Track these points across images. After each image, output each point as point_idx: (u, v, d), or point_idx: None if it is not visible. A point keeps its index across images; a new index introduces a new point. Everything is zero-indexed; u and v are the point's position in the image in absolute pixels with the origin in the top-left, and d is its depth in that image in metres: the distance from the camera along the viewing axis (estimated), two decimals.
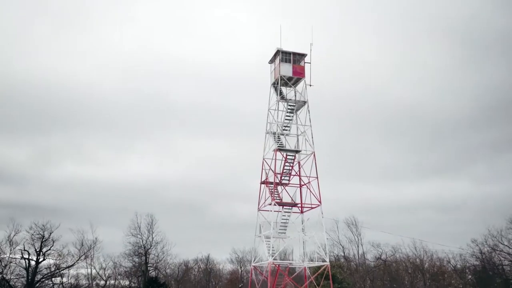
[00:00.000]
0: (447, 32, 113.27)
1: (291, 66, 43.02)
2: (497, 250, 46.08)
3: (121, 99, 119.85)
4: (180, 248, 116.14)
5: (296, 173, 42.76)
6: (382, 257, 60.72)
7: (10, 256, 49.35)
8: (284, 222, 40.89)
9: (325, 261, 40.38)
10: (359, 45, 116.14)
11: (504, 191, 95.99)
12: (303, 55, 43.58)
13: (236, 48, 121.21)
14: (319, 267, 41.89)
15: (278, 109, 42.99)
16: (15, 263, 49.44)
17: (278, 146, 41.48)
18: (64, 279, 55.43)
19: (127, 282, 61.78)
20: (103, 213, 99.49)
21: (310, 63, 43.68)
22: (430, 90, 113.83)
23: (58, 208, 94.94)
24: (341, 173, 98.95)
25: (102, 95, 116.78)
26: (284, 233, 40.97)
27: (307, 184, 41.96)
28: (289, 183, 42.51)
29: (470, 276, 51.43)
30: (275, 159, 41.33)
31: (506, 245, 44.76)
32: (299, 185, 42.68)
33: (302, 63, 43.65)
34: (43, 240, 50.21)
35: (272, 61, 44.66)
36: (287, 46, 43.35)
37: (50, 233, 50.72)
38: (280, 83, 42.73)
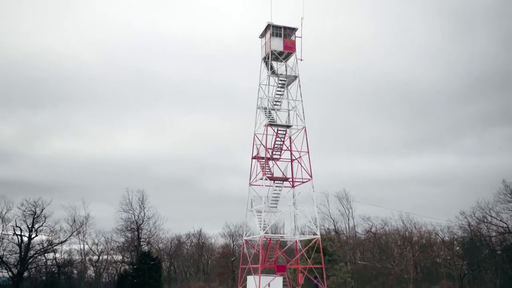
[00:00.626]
0: (437, 5, 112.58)
1: (281, 41, 42.60)
2: (485, 222, 46.90)
3: (108, 74, 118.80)
4: (172, 223, 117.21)
5: (287, 148, 42.86)
6: (372, 230, 61.67)
7: (3, 232, 49.46)
8: (275, 197, 41.18)
9: (316, 234, 40.88)
10: (349, 19, 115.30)
11: (493, 164, 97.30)
12: (294, 29, 43.12)
13: (225, 22, 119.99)
14: (310, 240, 42.43)
15: (269, 84, 42.80)
16: (8, 240, 49.59)
17: (269, 121, 41.44)
18: (57, 255, 55.84)
19: (120, 257, 62.32)
20: (93, 189, 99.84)
21: (301, 37, 43.29)
22: (420, 63, 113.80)
23: (49, 184, 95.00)
24: (331, 147, 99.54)
25: (88, 71, 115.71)
26: (276, 207, 41.29)
27: (298, 159, 42.15)
28: (280, 158, 42.66)
29: (458, 248, 52.45)
30: (266, 134, 41.35)
31: (494, 217, 45.55)
32: (290, 160, 42.86)
33: (293, 38, 43.25)
34: (35, 216, 50.30)
35: (262, 35, 44.19)
36: (278, 21, 42.90)
37: (42, 210, 50.85)
38: (271, 57, 42.41)
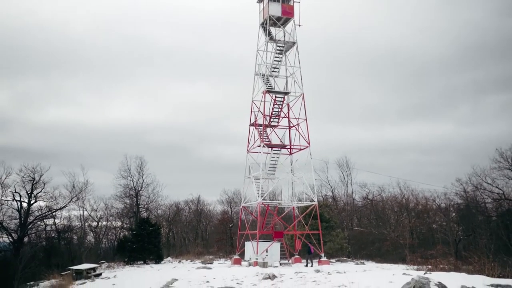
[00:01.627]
0: None
1: (280, 6, 41.92)
2: (481, 189, 47.26)
3: (99, 42, 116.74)
4: (169, 190, 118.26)
5: (285, 115, 42.74)
6: (369, 197, 62.17)
7: (2, 198, 49.62)
8: (273, 164, 41.35)
9: (313, 201, 41.23)
10: None
11: (486, 132, 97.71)
12: None
13: None
14: (307, 207, 42.84)
15: (267, 50, 42.31)
16: (7, 205, 49.80)
17: (267, 88, 41.17)
18: (57, 221, 56.20)
19: (119, 223, 62.90)
20: (90, 156, 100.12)
21: (299, 2, 42.56)
22: (412, 31, 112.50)
23: (45, 151, 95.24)
24: (326, 115, 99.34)
25: (78, 38, 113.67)
26: (273, 174, 41.53)
27: (296, 126, 42.09)
28: (278, 125, 42.60)
29: (454, 214, 53.04)
30: (264, 101, 41.14)
31: (490, 184, 45.89)
32: (288, 127, 42.80)
33: (291, 3, 42.51)
34: (34, 182, 50.33)
35: (260, 0, 43.40)
36: None
37: (41, 176, 50.79)
38: (269, 23, 41.75)
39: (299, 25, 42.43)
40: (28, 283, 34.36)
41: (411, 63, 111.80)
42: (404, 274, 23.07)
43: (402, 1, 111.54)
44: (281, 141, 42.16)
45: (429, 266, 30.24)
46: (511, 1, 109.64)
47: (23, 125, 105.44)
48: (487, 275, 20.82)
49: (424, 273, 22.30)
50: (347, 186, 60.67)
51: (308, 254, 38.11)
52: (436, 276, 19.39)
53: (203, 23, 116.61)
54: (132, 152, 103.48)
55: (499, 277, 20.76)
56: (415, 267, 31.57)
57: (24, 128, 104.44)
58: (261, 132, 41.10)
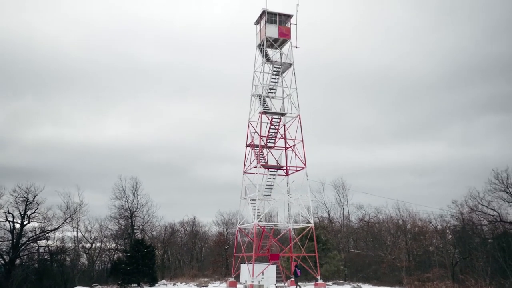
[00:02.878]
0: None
1: (277, 27, 42.36)
2: (477, 211, 47.18)
3: (92, 60, 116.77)
4: (164, 211, 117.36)
5: (281, 135, 42.79)
6: (365, 219, 61.88)
7: None
8: (269, 185, 41.18)
9: (309, 222, 40.97)
10: (341, 6, 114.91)
11: (480, 153, 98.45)
12: (289, 16, 42.86)
13: (217, 9, 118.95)
14: (303, 229, 42.55)
15: (263, 71, 42.58)
16: (0, 226, 49.19)
17: (264, 109, 41.30)
18: (50, 242, 55.51)
19: (113, 245, 62.20)
20: (84, 175, 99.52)
21: (296, 24, 43.05)
22: (403, 54, 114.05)
23: (39, 171, 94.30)
24: (322, 135, 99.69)
25: (71, 57, 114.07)
26: (269, 195, 41.32)
27: (292, 147, 42.10)
28: (274, 146, 42.60)
29: (450, 236, 52.82)
30: (261, 121, 41.21)
31: (485, 206, 45.82)
32: (284, 148, 42.80)
33: (288, 24, 42.98)
34: (28, 203, 49.87)
35: (257, 22, 43.87)
36: (273, 7, 42.60)
37: (35, 196, 50.35)
38: (266, 44, 42.13)
39: (296, 47, 42.87)
40: None
41: (402, 85, 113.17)
42: None
43: (393, 24, 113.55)
44: (277, 162, 42.09)
45: None
46: (498, 24, 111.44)
47: (17, 145, 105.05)
48: None
49: None
50: (343, 208, 60.47)
51: (294, 276, 37.64)
52: None
53: (197, 42, 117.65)
54: (127, 171, 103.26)
55: None
56: None
57: (17, 147, 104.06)
58: (258, 153, 41.05)
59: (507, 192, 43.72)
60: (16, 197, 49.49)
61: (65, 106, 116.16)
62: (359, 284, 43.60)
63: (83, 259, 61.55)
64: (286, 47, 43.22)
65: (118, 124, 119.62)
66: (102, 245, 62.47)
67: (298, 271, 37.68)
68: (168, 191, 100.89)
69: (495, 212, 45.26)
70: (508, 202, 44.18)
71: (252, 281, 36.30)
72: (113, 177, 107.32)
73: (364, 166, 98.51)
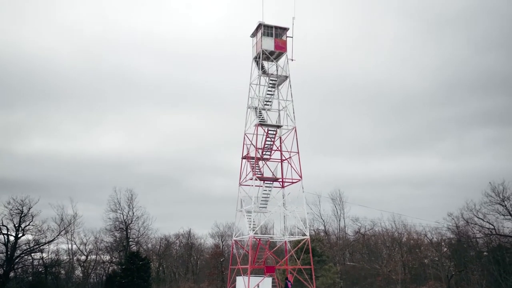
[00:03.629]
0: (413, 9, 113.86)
1: (273, 40, 42.66)
2: (472, 224, 47.30)
3: (84, 73, 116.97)
4: (160, 223, 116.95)
5: (277, 148, 42.90)
6: (361, 231, 61.87)
7: None
8: (265, 197, 41.14)
9: (305, 235, 40.93)
10: (339, 20, 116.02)
11: (473, 166, 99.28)
12: (285, 29, 43.21)
13: (208, 21, 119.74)
14: (299, 241, 42.46)
15: (259, 83, 42.81)
16: None
17: (260, 121, 41.45)
18: (44, 255, 55.17)
19: (108, 257, 61.84)
20: (78, 187, 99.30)
21: (292, 37, 43.40)
22: (396, 67, 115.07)
23: (32, 183, 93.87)
24: (316, 148, 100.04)
25: (63, 69, 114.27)
26: (265, 207, 41.26)
27: (288, 159, 42.18)
28: (270, 158, 42.67)
29: (445, 249, 52.83)
30: (257, 134, 41.33)
31: (481, 219, 45.94)
32: (280, 160, 42.88)
33: (284, 37, 43.33)
34: (22, 215, 49.64)
35: (254, 34, 44.21)
36: (269, 20, 42.97)
37: (29, 208, 50.15)
38: (262, 57, 42.43)
39: (292, 60, 43.13)
40: None
41: (396, 98, 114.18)
42: None
43: (386, 37, 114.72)
44: (273, 174, 42.13)
45: None
46: (490, 39, 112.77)
47: (8, 157, 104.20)
48: None
49: None
50: (339, 220, 60.50)
51: None
52: None
53: (190, 54, 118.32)
54: (121, 183, 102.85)
55: None
56: None
57: (9, 159, 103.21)
58: (253, 165, 41.11)
59: (502, 205, 43.93)
60: (11, 209, 49.32)
61: (56, 118, 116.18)
62: None
63: (78, 272, 61.20)
64: (282, 60, 43.54)
65: (110, 136, 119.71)
66: (97, 257, 62.11)
67: (289, 284, 37.86)
68: (162, 203, 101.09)
69: (490, 225, 45.42)
70: (503, 215, 44.37)
71: None
72: (107, 189, 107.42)
73: (359, 178, 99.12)
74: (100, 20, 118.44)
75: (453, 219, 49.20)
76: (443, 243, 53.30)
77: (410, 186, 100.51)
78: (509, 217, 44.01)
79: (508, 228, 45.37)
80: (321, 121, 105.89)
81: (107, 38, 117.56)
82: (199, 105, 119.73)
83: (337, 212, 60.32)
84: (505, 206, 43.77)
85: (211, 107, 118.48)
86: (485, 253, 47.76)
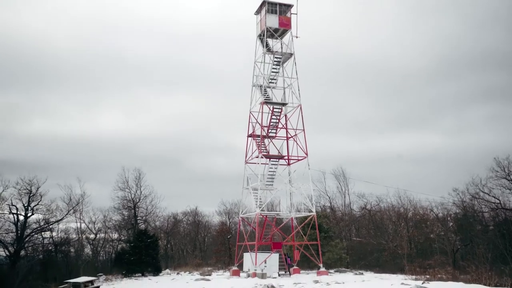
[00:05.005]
0: None
1: (277, 17, 42.35)
2: (478, 198, 47.40)
3: (80, 54, 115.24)
4: (166, 202, 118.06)
5: (283, 125, 42.96)
6: (367, 207, 62.22)
7: None
8: (271, 174, 41.45)
9: (311, 211, 41.28)
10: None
11: (475, 142, 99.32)
12: (289, 6, 42.84)
13: (208, 1, 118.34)
14: (305, 217, 42.87)
15: (264, 61, 42.64)
16: (4, 219, 49.49)
17: (265, 99, 41.43)
18: (54, 233, 55.88)
19: (116, 235, 62.70)
20: (82, 168, 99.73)
21: (296, 14, 43.01)
22: (394, 45, 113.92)
23: (37, 164, 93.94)
24: (315, 125, 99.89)
25: (60, 52, 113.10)
26: (271, 185, 41.61)
27: (293, 137, 42.28)
28: (276, 136, 42.80)
29: (451, 224, 53.11)
30: (262, 112, 41.37)
31: (486, 193, 46.04)
32: (285, 138, 42.99)
33: (288, 14, 42.95)
34: (31, 195, 50.13)
35: (258, 12, 43.86)
36: None
37: (38, 188, 50.56)
38: (266, 34, 42.14)
39: (297, 37, 42.90)
40: None
41: (394, 76, 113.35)
42: (402, 284, 23.14)
43: (383, 15, 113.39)
44: (279, 152, 42.32)
45: (427, 276, 30.35)
46: (487, 15, 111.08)
47: (10, 139, 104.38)
48: (485, 284, 20.95)
49: (422, 283, 22.38)
50: (344, 197, 60.80)
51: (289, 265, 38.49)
52: (434, 286, 19.51)
53: (186, 33, 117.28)
54: (125, 163, 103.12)
55: (496, 286, 20.90)
56: (414, 277, 31.62)
57: (11, 141, 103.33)
58: (259, 143, 41.26)
59: (508, 180, 43.94)
60: (19, 190, 49.72)
61: (55, 100, 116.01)
62: (361, 271, 43.99)
63: (87, 250, 62.06)
64: (286, 37, 43.24)
65: (109, 118, 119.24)
66: (106, 235, 62.96)
67: (289, 260, 40.11)
68: (166, 182, 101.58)
69: (496, 200, 45.52)
70: (509, 189, 44.45)
71: (255, 270, 36.69)
72: (111, 169, 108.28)
73: (361, 155, 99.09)
74: (97, 0, 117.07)
75: (458, 194, 49.34)
76: (449, 218, 53.54)
77: (413, 163, 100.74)
78: None
79: None
80: (321, 100, 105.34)
81: (103, 19, 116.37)
82: (197, 86, 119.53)
83: (342, 189, 60.63)
84: (511, 180, 43.82)
85: (209, 87, 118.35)
86: (491, 227, 47.98)
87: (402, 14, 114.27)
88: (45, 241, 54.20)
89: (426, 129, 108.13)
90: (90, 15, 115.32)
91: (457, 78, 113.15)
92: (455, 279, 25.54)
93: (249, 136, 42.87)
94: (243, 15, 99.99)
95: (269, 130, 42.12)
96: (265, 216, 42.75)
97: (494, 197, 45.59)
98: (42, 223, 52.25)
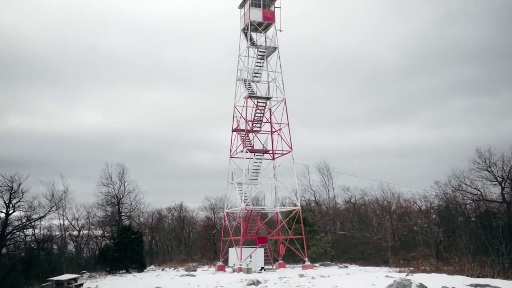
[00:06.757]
0: None
1: (261, 11, 42.14)
2: (460, 190, 47.99)
3: (55, 50, 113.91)
4: (151, 198, 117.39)
5: (267, 120, 42.87)
6: (351, 201, 62.61)
7: None
8: (256, 169, 41.38)
9: (296, 205, 41.34)
10: None
11: (450, 136, 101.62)
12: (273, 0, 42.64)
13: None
14: (290, 212, 42.94)
15: (248, 55, 42.43)
16: None
17: (249, 93, 41.27)
18: (36, 231, 55.13)
19: (100, 232, 62.12)
20: (63, 165, 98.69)
21: (280, 7, 42.85)
22: (362, 37, 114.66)
23: (16, 161, 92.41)
24: (298, 119, 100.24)
25: (34, 48, 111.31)
26: (256, 179, 41.54)
27: (278, 131, 42.23)
28: (260, 130, 42.70)
29: (434, 216, 53.71)
30: (246, 106, 41.20)
31: (468, 185, 46.62)
32: (270, 132, 42.92)
33: (272, 8, 42.78)
34: (12, 191, 49.32)
35: (241, 5, 43.59)
36: None
37: (19, 185, 49.74)
38: (250, 28, 41.92)
39: (281, 31, 42.73)
40: None
41: (371, 69, 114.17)
42: (386, 276, 23.31)
43: (357, 9, 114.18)
44: (263, 146, 42.25)
45: (411, 268, 30.61)
46: (457, 9, 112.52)
47: None
48: (467, 275, 21.20)
49: (406, 275, 22.57)
50: (328, 190, 61.12)
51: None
52: (418, 278, 19.65)
53: (165, 28, 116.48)
54: (106, 159, 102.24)
55: (478, 277, 21.15)
56: (398, 269, 31.91)
57: None
58: (244, 138, 41.13)
59: (489, 171, 44.56)
60: (0, 186, 48.87)
61: (31, 96, 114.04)
62: (346, 264, 44.29)
63: (71, 247, 61.44)
64: (270, 31, 43.09)
65: (90, 114, 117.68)
66: (89, 232, 62.35)
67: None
68: (149, 178, 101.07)
69: (478, 191, 46.12)
70: (490, 181, 45.09)
71: (241, 264, 36.66)
72: (93, 166, 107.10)
73: (343, 149, 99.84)
74: None
75: (440, 186, 49.89)
76: (431, 210, 54.13)
77: (393, 156, 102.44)
78: (496, 182, 44.84)
79: (495, 193, 46.20)
80: (299, 93, 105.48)
81: (80, 16, 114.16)
82: (177, 81, 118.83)
83: (326, 183, 60.95)
84: (492, 172, 44.48)
85: (189, 82, 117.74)
86: (473, 218, 48.62)
87: (389, 7, 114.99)
88: (27, 238, 53.45)
89: (406, 123, 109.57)
90: (65, 11, 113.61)
91: (431, 72, 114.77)
92: (438, 270, 25.80)
93: (233, 130, 42.70)
94: (224, 7, 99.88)
95: (254, 125, 42.00)
96: (250, 211, 42.71)
97: (476, 188, 46.22)
98: (24, 220, 51.49)
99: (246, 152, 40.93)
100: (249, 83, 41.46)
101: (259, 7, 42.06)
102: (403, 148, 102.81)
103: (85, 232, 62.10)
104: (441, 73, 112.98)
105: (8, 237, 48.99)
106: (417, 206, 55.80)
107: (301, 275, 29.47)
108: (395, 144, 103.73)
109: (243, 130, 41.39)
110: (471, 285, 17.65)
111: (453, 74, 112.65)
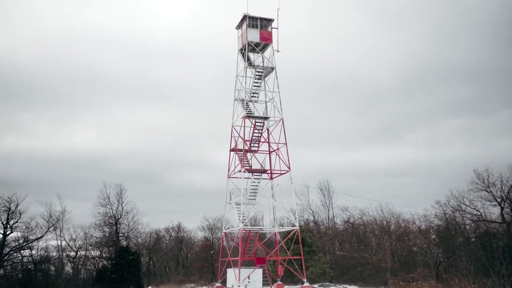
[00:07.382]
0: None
1: (258, 32, 42.58)
2: (460, 211, 47.81)
3: (49, 71, 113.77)
4: (148, 218, 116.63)
5: (265, 139, 42.92)
6: (350, 221, 62.29)
7: None
8: (254, 189, 41.25)
9: (295, 225, 41.11)
10: (329, 14, 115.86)
11: (446, 156, 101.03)
12: (270, 20, 43.12)
13: (175, 15, 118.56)
14: (289, 232, 42.67)
15: (246, 75, 42.72)
16: None
17: (247, 113, 41.41)
18: (34, 251, 54.78)
19: (98, 252, 61.65)
20: (60, 186, 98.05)
21: (277, 28, 43.31)
22: (357, 56, 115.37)
23: (14, 181, 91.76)
24: (294, 139, 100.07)
25: (27, 68, 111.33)
26: (254, 199, 41.37)
27: (276, 151, 42.25)
28: (258, 150, 42.71)
29: (434, 236, 53.39)
30: (244, 126, 41.30)
31: (468, 205, 46.48)
32: (268, 152, 42.93)
33: (269, 29, 43.24)
34: (10, 212, 49.15)
35: (239, 26, 44.06)
36: (254, 11, 42.83)
37: (17, 205, 49.63)
38: (248, 49, 42.31)
39: (278, 51, 43.10)
40: None
41: (366, 89, 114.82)
42: None
43: (357, 30, 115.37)
44: (261, 166, 42.21)
45: None
46: (451, 29, 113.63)
47: None
48: None
49: None
50: (328, 210, 60.87)
51: None
52: None
53: (162, 47, 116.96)
54: (102, 180, 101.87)
55: None
56: None
57: None
58: (242, 157, 41.12)
59: (488, 192, 44.47)
60: None
61: (23, 118, 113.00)
62: (345, 285, 43.89)
63: (68, 268, 60.91)
64: (267, 51, 43.48)
65: (83, 134, 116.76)
66: (86, 253, 61.88)
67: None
68: (148, 198, 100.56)
69: (477, 212, 45.97)
70: (489, 201, 44.96)
71: (239, 285, 36.29)
72: (89, 186, 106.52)
73: (338, 169, 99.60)
74: (65, 17, 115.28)
75: (440, 206, 49.72)
76: (431, 231, 53.84)
77: (389, 176, 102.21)
78: (495, 203, 44.70)
79: (494, 214, 46.03)
80: (294, 112, 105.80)
81: (73, 35, 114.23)
82: (172, 101, 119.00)
83: (326, 203, 60.75)
84: (491, 192, 44.38)
85: (183, 102, 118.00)
86: (472, 239, 48.33)
87: (384, 27, 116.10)
88: (25, 259, 53.11)
89: (402, 142, 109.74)
90: (59, 30, 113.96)
91: (426, 92, 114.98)
92: None
93: (231, 150, 42.72)
94: (220, 28, 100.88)
95: (252, 144, 42.03)
96: (248, 231, 42.44)
97: (475, 209, 46.08)
98: (21, 241, 51.19)
99: (244, 172, 40.87)
100: (247, 103, 41.64)
101: (256, 28, 42.49)
102: (399, 167, 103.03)
103: (83, 253, 61.67)
104: (436, 92, 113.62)
105: (5, 258, 48.64)
106: (416, 226, 55.54)
107: None
108: (391, 163, 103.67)
109: (241, 150, 41.41)
110: None
111: (448, 93, 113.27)
